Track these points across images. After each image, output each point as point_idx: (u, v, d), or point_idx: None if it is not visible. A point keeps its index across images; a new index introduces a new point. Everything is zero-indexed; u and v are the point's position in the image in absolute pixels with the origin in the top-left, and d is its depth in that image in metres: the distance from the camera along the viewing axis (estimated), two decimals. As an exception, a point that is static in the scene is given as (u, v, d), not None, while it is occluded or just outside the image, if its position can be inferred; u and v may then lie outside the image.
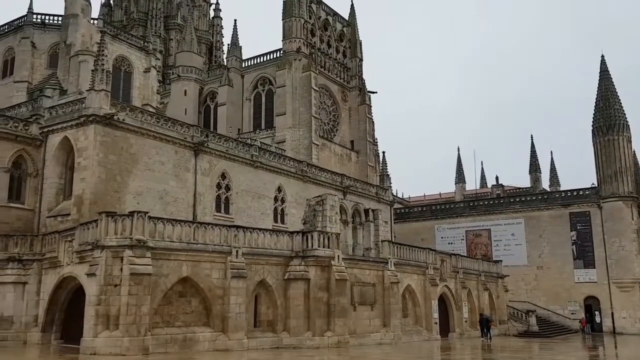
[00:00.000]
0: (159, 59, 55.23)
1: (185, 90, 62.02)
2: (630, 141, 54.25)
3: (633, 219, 51.63)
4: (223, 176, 37.01)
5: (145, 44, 51.76)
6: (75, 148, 30.47)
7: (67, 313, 27.13)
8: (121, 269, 22.87)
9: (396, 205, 61.77)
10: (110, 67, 37.10)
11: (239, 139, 44.16)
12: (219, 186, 36.70)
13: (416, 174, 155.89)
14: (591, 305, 52.33)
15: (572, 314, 52.43)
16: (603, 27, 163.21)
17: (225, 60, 70.17)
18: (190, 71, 62.73)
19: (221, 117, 59.49)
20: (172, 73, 64.49)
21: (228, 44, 66.06)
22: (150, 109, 42.94)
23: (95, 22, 49.38)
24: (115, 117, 30.71)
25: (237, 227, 27.84)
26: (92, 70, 31.49)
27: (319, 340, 27.39)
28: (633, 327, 50.04)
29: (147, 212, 24.18)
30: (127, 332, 22.24)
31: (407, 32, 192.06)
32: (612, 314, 51.00)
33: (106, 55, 32.28)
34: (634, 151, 56.85)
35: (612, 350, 34.82)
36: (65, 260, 26.14)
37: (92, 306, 22.73)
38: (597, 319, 51.71)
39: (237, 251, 26.24)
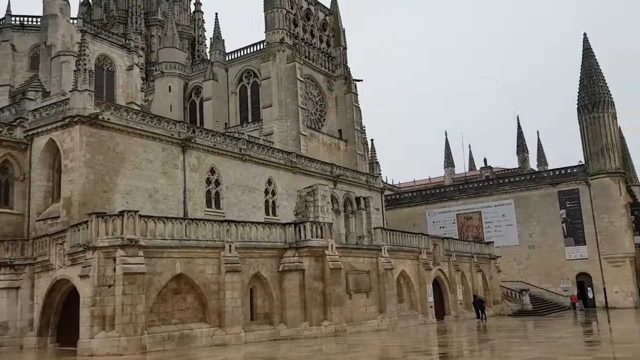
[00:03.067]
0: (142, 56, 54.71)
1: (170, 87, 61.61)
2: (616, 117, 54.53)
3: (621, 195, 52.08)
4: (212, 171, 36.87)
5: (127, 41, 51.30)
6: (61, 150, 30.23)
7: (62, 316, 26.94)
8: (114, 269, 22.77)
9: (387, 192, 61.98)
10: (92, 67, 36.71)
11: (227, 133, 43.94)
12: (208, 181, 36.57)
13: (405, 159, 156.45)
14: (583, 281, 52.92)
15: (565, 291, 52.95)
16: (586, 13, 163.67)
17: (208, 54, 69.72)
18: (174, 67, 62.27)
19: (207, 112, 59.27)
20: (155, 70, 63.98)
21: (210, 38, 65.69)
22: (135, 107, 42.61)
23: (75, 21, 48.83)
24: (100, 117, 30.45)
25: (229, 221, 27.76)
26: (75, 71, 31.23)
27: (316, 330, 27.49)
28: (625, 300, 50.70)
29: (137, 211, 24.06)
30: (123, 331, 22.19)
31: (392, 17, 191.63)
32: (604, 289, 51.57)
33: (88, 55, 31.92)
34: (619, 127, 57.19)
35: (606, 325, 35.25)
36: (57, 263, 25.97)
37: (87, 307, 22.63)
38: (590, 295, 52.35)
39: (230, 245, 26.20)
